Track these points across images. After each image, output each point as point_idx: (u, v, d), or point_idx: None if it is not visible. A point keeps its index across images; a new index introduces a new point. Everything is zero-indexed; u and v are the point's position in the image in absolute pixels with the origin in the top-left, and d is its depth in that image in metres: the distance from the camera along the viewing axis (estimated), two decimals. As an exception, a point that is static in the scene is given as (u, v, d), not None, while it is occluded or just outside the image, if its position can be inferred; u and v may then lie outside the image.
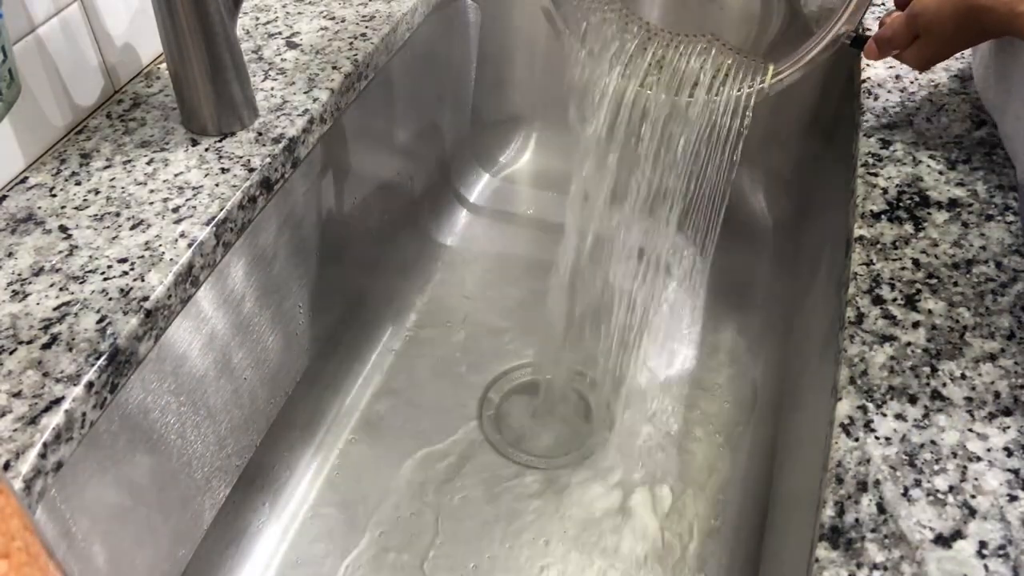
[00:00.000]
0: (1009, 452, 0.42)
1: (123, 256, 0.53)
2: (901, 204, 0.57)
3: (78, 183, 0.59)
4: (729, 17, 0.63)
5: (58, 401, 0.45)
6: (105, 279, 0.52)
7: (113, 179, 0.59)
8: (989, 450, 0.42)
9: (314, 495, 0.72)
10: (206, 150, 0.62)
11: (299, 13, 0.77)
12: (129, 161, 0.61)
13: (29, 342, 0.48)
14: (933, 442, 0.43)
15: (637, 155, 0.69)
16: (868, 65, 0.70)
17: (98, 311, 0.50)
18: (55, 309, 0.50)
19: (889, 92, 0.67)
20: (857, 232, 0.55)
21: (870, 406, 0.45)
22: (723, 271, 0.91)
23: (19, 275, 0.52)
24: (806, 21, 0.61)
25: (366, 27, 0.75)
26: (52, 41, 0.60)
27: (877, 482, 0.41)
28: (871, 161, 0.61)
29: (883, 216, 0.56)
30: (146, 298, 0.50)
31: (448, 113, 0.96)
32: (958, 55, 0.69)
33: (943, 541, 0.39)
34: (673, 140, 0.66)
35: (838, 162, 0.74)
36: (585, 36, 0.63)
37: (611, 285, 0.89)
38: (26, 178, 0.59)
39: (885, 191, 0.58)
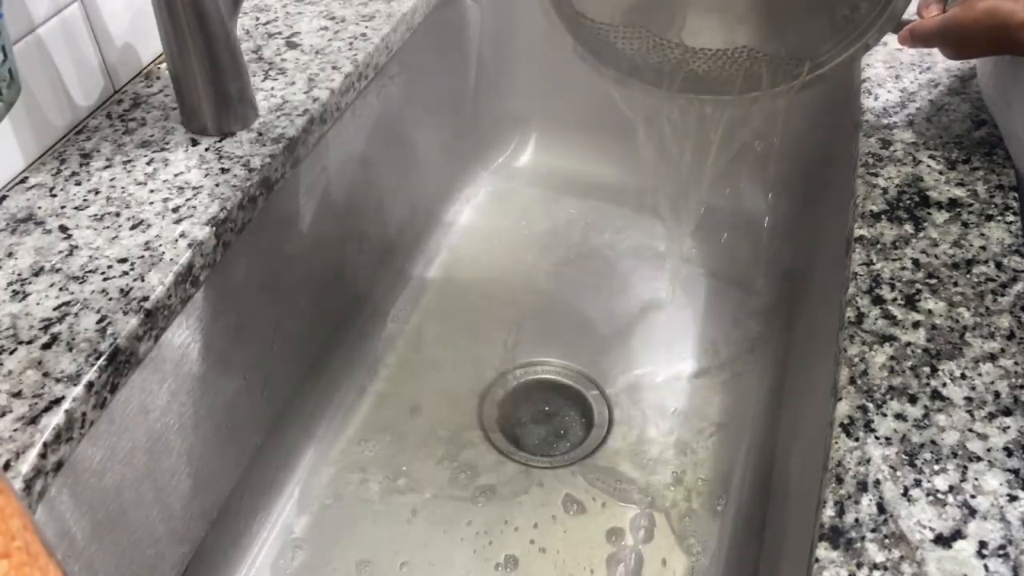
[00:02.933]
0: (1009, 452, 0.42)
1: (123, 256, 0.53)
2: (901, 204, 0.57)
3: (78, 183, 0.59)
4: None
5: (58, 401, 0.45)
6: (105, 279, 0.52)
7: (113, 179, 0.59)
8: (989, 450, 0.42)
9: (315, 495, 0.72)
10: (206, 150, 0.62)
11: (299, 13, 0.77)
12: (129, 161, 0.61)
13: (29, 342, 0.48)
14: (933, 442, 0.43)
15: (677, 162, 0.70)
16: (868, 65, 0.70)
17: (98, 311, 0.50)
18: (55, 309, 0.50)
19: (889, 92, 0.67)
20: (857, 232, 0.55)
21: (870, 406, 0.45)
22: (723, 271, 0.92)
23: (19, 275, 0.52)
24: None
25: (366, 27, 0.75)
26: (52, 41, 0.60)
27: (877, 482, 0.41)
28: (871, 161, 0.61)
29: (883, 216, 0.56)
30: (146, 298, 0.50)
31: (448, 112, 0.96)
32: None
33: (943, 541, 0.39)
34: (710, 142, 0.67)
35: (838, 162, 0.74)
36: (608, 59, 0.62)
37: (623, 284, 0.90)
38: (26, 178, 0.59)
39: (885, 191, 0.58)
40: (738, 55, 0.61)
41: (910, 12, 0.59)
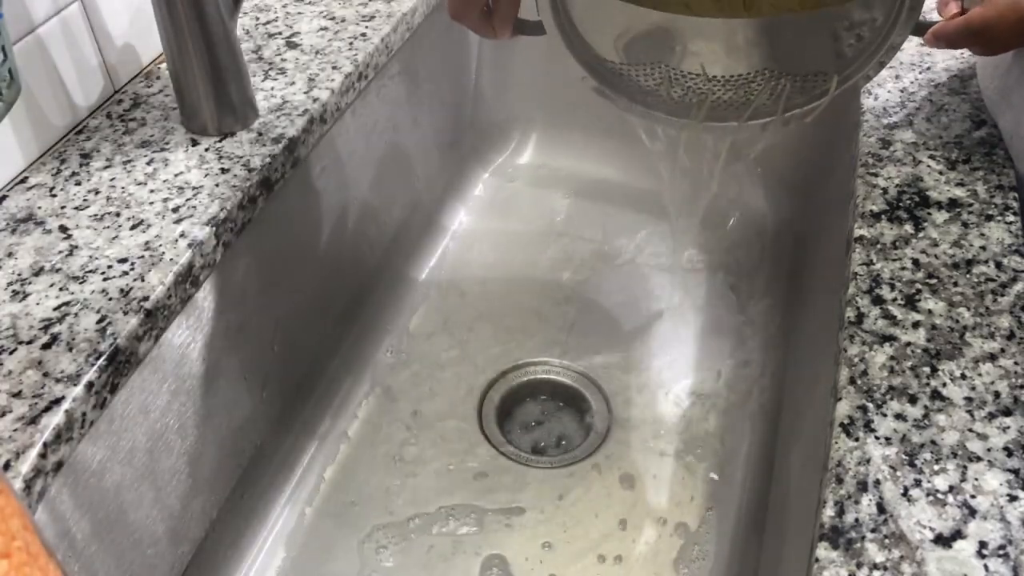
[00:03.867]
0: (1009, 452, 0.42)
1: (123, 256, 0.53)
2: (901, 204, 0.57)
3: (78, 183, 0.59)
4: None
5: (58, 401, 0.45)
6: (105, 279, 0.52)
7: (113, 179, 0.59)
8: (989, 450, 0.42)
9: (317, 495, 0.72)
10: (206, 150, 0.62)
11: (299, 13, 0.77)
12: (129, 161, 0.61)
13: (29, 342, 0.48)
14: (933, 442, 0.43)
15: (681, 163, 0.69)
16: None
17: (98, 311, 0.50)
18: (55, 309, 0.50)
19: (889, 92, 0.67)
20: (857, 232, 0.55)
21: (870, 406, 0.45)
22: (723, 271, 0.92)
23: (19, 275, 0.52)
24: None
25: (366, 27, 0.75)
26: (52, 41, 0.60)
27: (877, 482, 0.41)
28: (871, 161, 0.61)
29: (883, 216, 0.56)
30: (146, 298, 0.50)
31: (448, 112, 0.96)
32: (957, 55, 0.70)
33: (943, 541, 0.39)
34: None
35: (838, 162, 0.74)
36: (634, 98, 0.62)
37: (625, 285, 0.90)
38: (26, 178, 0.59)
39: (885, 191, 0.58)
40: (762, 77, 0.60)
41: (930, 11, 0.58)
